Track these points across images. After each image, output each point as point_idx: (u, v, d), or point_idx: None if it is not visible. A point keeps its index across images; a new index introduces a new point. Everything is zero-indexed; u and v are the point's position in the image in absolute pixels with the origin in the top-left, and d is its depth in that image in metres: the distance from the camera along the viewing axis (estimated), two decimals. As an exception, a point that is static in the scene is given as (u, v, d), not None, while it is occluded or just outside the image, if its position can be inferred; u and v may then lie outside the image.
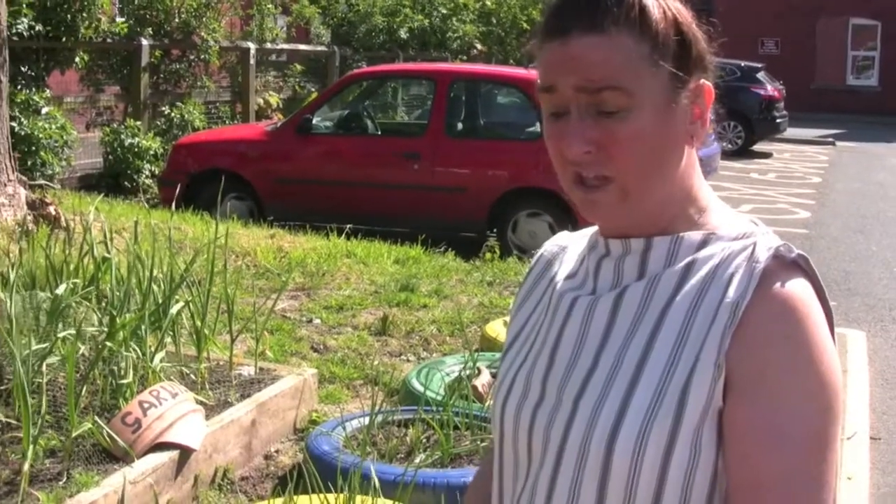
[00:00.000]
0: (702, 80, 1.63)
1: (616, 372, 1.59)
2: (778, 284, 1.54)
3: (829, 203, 18.39)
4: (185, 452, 5.07)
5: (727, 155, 22.49)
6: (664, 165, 1.61)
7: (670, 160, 1.61)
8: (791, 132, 28.00)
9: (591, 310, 1.67)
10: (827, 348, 1.53)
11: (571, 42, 1.56)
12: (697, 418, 1.52)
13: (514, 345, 1.82)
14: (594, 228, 1.77)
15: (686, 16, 1.63)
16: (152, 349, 5.74)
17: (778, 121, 26.06)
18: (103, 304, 6.20)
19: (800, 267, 1.58)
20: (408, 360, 7.44)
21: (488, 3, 27.26)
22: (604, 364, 1.61)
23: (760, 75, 26.14)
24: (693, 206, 1.66)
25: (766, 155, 25.89)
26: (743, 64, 26.07)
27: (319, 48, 22.65)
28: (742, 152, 25.13)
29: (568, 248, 1.84)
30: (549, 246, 1.90)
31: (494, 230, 11.98)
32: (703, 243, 1.63)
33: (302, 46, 22.46)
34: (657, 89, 1.57)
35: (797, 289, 1.54)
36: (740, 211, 16.54)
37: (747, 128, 25.55)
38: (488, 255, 10.65)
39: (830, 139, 29.99)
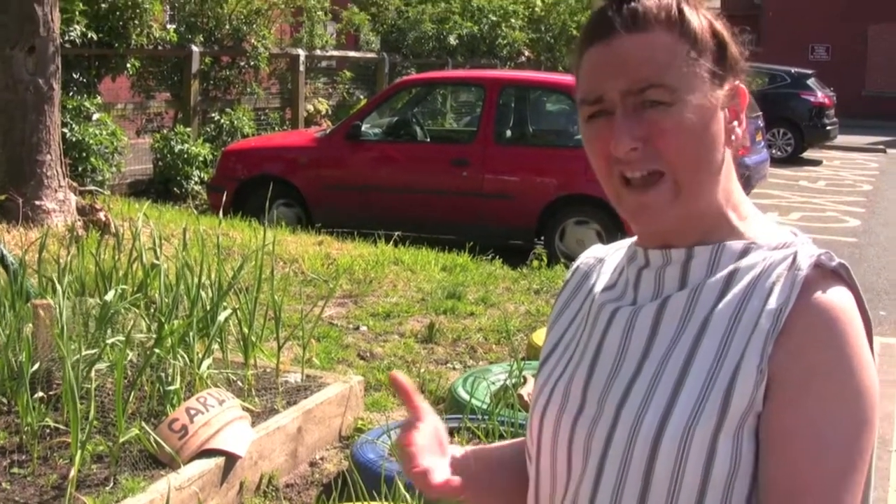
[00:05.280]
0: (737, 82, 1.67)
1: (659, 380, 1.59)
2: (820, 293, 1.55)
3: (879, 211, 18.23)
4: (231, 459, 5.09)
5: (776, 162, 22.36)
6: (710, 161, 1.62)
7: (714, 157, 1.63)
8: (841, 139, 27.81)
9: (633, 320, 1.67)
10: (867, 358, 1.54)
11: (615, 42, 1.60)
12: (738, 422, 1.53)
13: (552, 356, 1.82)
14: (631, 240, 1.79)
15: (718, 22, 1.67)
16: (200, 356, 5.79)
17: (828, 128, 25.84)
18: (152, 310, 6.25)
19: (840, 276, 1.59)
20: (454, 368, 7.44)
21: (537, 9, 27.25)
22: (646, 373, 1.62)
23: (811, 82, 25.95)
24: (733, 213, 1.68)
25: (816, 162, 25.71)
26: (793, 70, 25.95)
27: (369, 55, 22.69)
28: (792, 159, 24.98)
29: (604, 260, 1.85)
30: (585, 258, 1.91)
31: (542, 238, 11.97)
32: (744, 252, 1.64)
33: (351, 53, 22.51)
34: (697, 86, 1.60)
35: (839, 298, 1.55)
36: (789, 218, 16.50)
37: (797, 135, 25.39)
38: (535, 263, 10.63)
39: (881, 146, 29.72)
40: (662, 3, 1.62)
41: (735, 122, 1.67)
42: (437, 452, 1.73)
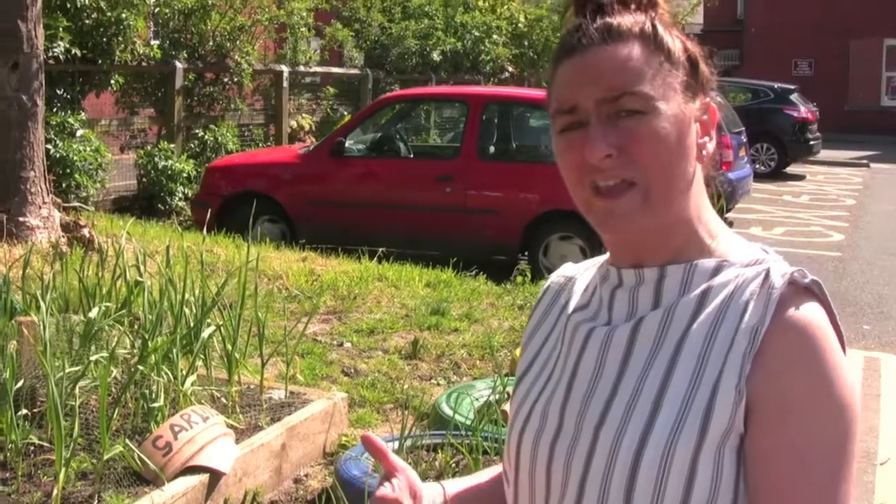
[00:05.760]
0: (707, 99, 1.70)
1: (636, 400, 1.60)
2: (794, 310, 1.56)
3: (862, 225, 18.28)
4: (216, 476, 5.09)
5: (760, 177, 22.43)
6: (682, 172, 1.64)
7: (686, 169, 1.65)
8: (825, 154, 27.88)
9: (608, 341, 1.68)
10: (845, 372, 1.56)
11: (589, 53, 1.63)
12: (718, 441, 1.54)
13: (527, 376, 1.83)
14: (602, 258, 1.80)
15: (689, 42, 1.71)
16: (184, 372, 5.77)
17: (811, 143, 25.92)
18: (136, 327, 6.24)
19: (813, 292, 1.60)
20: (438, 384, 7.45)
21: (520, 25, 27.33)
22: (623, 393, 1.63)
23: (794, 97, 26.03)
24: (704, 231, 1.69)
25: (800, 177, 25.77)
26: (776, 85, 26.06)
27: (352, 71, 22.71)
28: (775, 174, 25.04)
29: (575, 279, 1.87)
30: (556, 277, 1.92)
31: (526, 253, 11.98)
32: (717, 270, 1.65)
33: (335, 69, 22.54)
34: (671, 96, 1.62)
35: (814, 315, 1.57)
36: (773, 233, 16.54)
37: (780, 150, 25.46)
38: (519, 279, 10.63)
39: (864, 161, 29.83)
40: (636, 19, 1.65)
41: (706, 138, 1.69)
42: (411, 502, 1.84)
